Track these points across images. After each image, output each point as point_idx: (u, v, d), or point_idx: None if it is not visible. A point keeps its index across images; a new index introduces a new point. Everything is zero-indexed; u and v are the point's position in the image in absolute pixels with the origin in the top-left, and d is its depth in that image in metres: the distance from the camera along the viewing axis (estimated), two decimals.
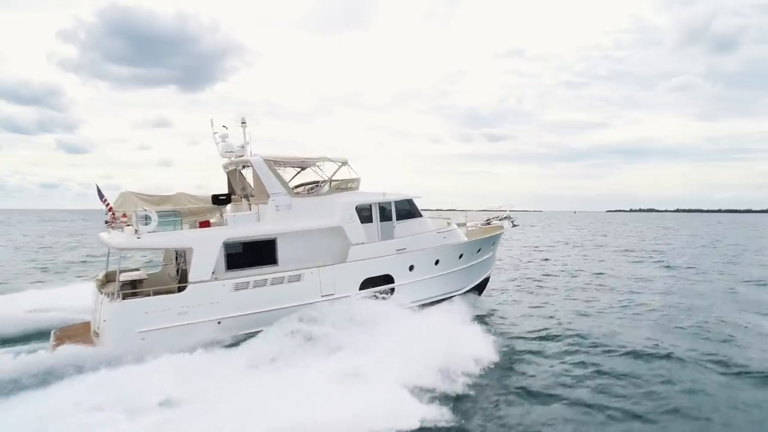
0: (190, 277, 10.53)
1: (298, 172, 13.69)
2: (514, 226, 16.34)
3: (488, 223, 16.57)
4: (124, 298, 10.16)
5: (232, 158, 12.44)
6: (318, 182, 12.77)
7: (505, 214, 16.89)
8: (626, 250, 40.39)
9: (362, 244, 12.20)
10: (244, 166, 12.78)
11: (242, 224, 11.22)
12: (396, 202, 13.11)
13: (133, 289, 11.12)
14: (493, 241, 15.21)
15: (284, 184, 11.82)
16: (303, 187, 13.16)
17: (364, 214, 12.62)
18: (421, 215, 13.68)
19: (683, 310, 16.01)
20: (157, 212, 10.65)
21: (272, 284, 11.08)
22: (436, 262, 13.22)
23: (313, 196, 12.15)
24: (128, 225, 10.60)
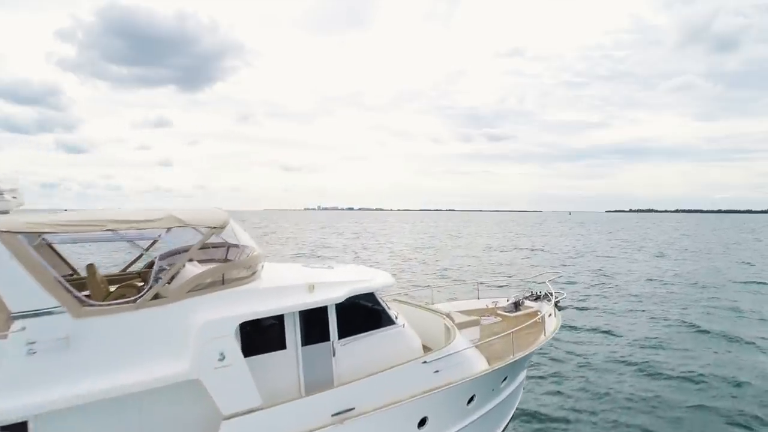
0: None
1: (156, 240, 7.00)
2: (560, 309, 9.63)
3: (517, 308, 9.68)
4: None
5: None
6: (147, 274, 5.80)
7: (546, 290, 10.09)
8: None
9: (252, 412, 5.51)
10: None
11: None
12: (340, 305, 6.16)
13: None
14: (528, 358, 8.27)
15: (50, 283, 5.05)
16: (125, 283, 6.24)
17: (263, 335, 5.80)
18: (392, 322, 6.64)
19: None
20: None
21: None
22: (422, 422, 6.51)
23: (131, 310, 5.10)
24: None
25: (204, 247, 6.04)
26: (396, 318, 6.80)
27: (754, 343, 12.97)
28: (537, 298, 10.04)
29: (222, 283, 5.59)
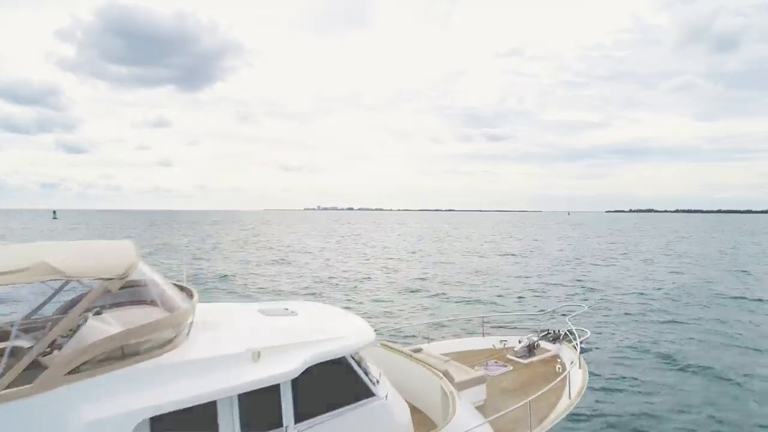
0: None
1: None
2: (581, 352, 7.33)
3: (531, 352, 7.99)
4: None
5: None
6: None
7: (566, 329, 8.23)
8: None
9: None
10: None
11: None
12: (296, 381, 4.00)
13: None
14: None
15: None
16: None
17: (185, 425, 3.51)
18: (371, 393, 4.54)
19: None
20: None
21: None
22: None
23: None
24: None
25: (127, 286, 3.91)
26: (377, 383, 4.76)
27: (741, 385, 10.69)
28: (555, 338, 8.27)
29: (123, 356, 3.47)
